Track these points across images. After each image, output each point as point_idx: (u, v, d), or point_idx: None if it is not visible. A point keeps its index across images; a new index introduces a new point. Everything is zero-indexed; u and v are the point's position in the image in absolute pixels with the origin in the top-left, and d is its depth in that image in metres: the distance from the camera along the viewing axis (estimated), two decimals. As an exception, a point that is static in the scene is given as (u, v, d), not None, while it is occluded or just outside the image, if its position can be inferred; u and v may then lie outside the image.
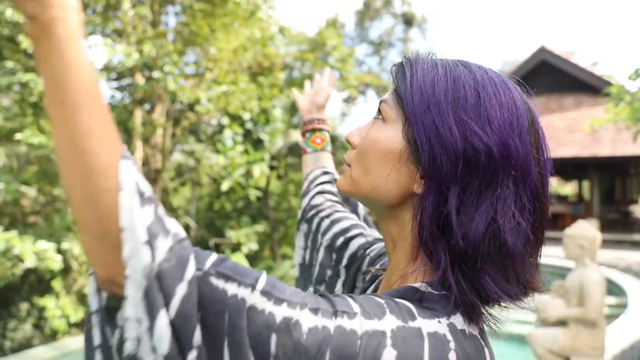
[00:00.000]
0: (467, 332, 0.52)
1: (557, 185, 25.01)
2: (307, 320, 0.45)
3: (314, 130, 1.09)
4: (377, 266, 0.79)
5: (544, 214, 0.57)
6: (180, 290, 0.43)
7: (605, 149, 10.73)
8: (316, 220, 0.96)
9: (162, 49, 6.59)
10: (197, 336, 0.43)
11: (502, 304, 0.56)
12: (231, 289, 0.45)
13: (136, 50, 6.66)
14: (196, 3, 7.51)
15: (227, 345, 0.43)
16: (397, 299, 0.53)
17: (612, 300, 5.78)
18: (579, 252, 3.11)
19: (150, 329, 0.42)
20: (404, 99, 0.58)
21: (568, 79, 12.53)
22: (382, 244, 0.84)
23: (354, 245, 0.87)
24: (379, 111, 0.62)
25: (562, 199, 14.59)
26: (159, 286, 0.42)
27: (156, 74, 6.61)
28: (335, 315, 0.47)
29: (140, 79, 7.95)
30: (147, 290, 0.42)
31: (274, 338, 0.44)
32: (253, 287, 0.46)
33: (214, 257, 0.47)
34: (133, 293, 0.43)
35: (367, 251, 0.85)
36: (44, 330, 8.25)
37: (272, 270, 11.11)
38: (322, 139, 1.10)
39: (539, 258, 0.58)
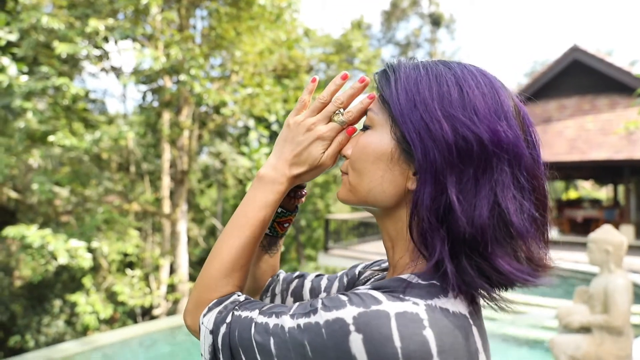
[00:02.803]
0: (450, 311, 0.53)
1: (591, 189, 24.19)
2: (287, 323, 0.54)
3: (288, 210, 0.82)
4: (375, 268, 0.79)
5: (543, 191, 0.58)
6: (222, 329, 0.61)
7: (641, 152, 10.31)
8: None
9: (188, 53, 6.73)
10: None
11: (516, 285, 0.57)
12: (244, 314, 0.60)
13: (163, 54, 6.82)
14: (222, 7, 7.64)
15: (242, 352, 0.57)
16: (362, 291, 0.54)
17: (645, 308, 5.53)
18: (603, 258, 3.00)
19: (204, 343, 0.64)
20: (390, 101, 0.60)
21: (602, 79, 12.09)
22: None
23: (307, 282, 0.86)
24: (365, 123, 0.65)
25: (595, 203, 14.04)
26: (212, 330, 0.63)
27: (183, 77, 6.75)
28: (304, 316, 0.54)
29: (167, 82, 8.14)
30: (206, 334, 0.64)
31: (272, 340, 0.54)
32: (259, 309, 0.60)
33: (242, 298, 0.65)
34: (202, 335, 0.64)
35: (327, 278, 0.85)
36: (76, 326, 8.53)
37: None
38: (291, 222, 0.85)
39: (547, 235, 0.59)
